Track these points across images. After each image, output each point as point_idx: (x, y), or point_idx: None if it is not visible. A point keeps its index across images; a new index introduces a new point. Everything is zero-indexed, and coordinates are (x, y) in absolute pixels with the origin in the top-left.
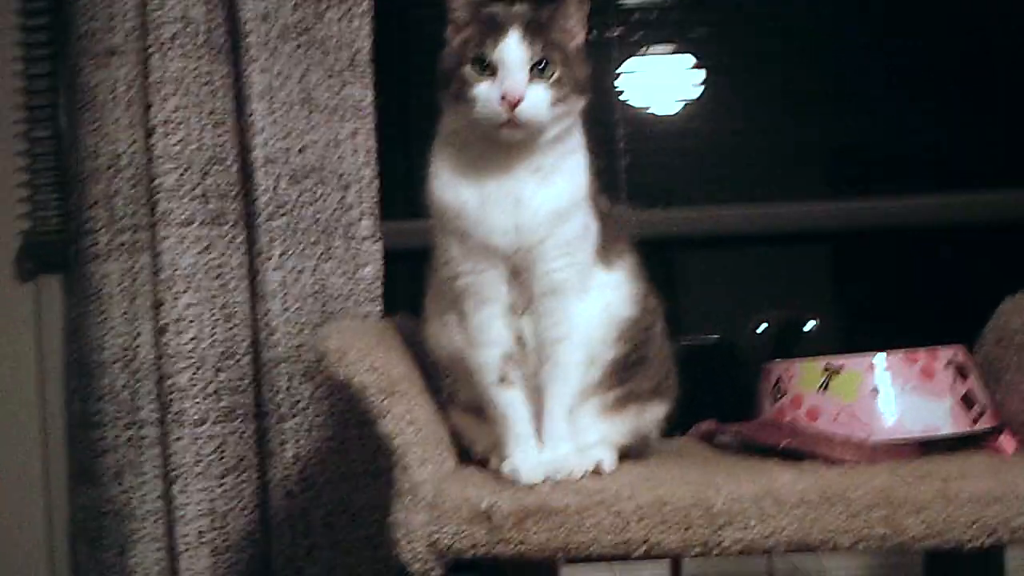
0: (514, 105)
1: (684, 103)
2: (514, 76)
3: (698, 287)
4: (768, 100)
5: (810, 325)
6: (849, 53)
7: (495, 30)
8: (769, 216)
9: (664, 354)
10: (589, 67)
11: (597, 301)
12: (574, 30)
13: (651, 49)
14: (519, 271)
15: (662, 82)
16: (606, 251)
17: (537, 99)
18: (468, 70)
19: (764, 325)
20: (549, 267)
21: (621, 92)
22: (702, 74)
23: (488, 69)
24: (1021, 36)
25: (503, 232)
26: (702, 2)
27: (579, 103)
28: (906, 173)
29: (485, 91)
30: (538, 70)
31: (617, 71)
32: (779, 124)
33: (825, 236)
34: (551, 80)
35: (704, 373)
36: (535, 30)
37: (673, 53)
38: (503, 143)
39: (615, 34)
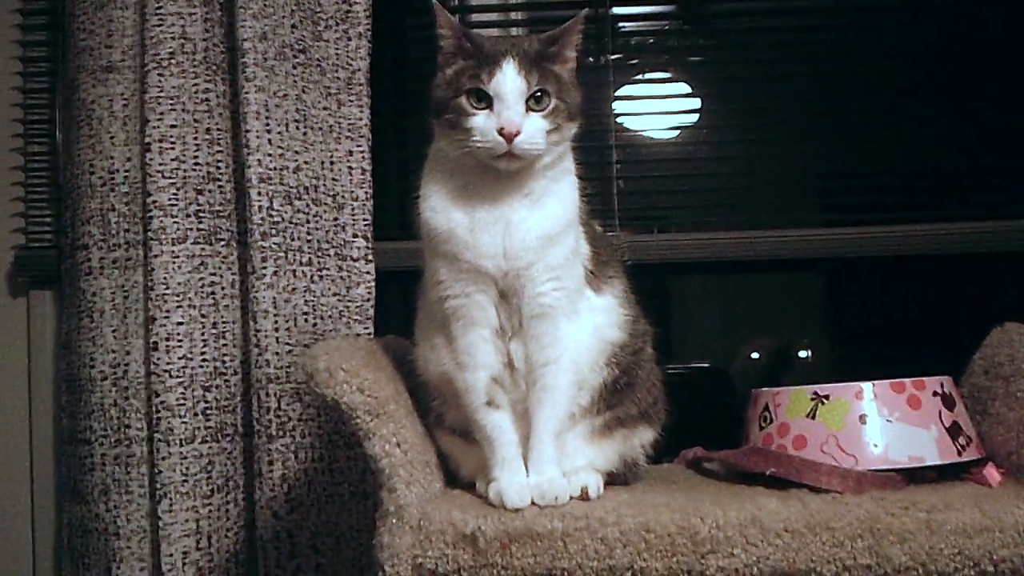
0: (512, 138)
1: (679, 129)
2: (511, 109)
3: (691, 313)
4: (763, 127)
5: (803, 353)
6: (844, 82)
7: (490, 62)
8: (762, 243)
9: (653, 379)
10: (580, 92)
11: (586, 325)
12: (568, 56)
13: (648, 74)
14: (508, 294)
15: (658, 107)
16: (596, 275)
17: (534, 130)
18: (464, 101)
19: (755, 353)
20: (538, 290)
21: (617, 116)
22: (698, 100)
23: (484, 101)
24: (1015, 70)
25: (492, 256)
26: (699, 29)
27: (572, 128)
28: (900, 202)
29: (482, 123)
30: (534, 101)
31: (614, 95)
32: (774, 151)
33: (818, 263)
34: (547, 111)
35: (696, 399)
36: (531, 61)
37: (670, 79)
38: (498, 170)
39: (612, 58)
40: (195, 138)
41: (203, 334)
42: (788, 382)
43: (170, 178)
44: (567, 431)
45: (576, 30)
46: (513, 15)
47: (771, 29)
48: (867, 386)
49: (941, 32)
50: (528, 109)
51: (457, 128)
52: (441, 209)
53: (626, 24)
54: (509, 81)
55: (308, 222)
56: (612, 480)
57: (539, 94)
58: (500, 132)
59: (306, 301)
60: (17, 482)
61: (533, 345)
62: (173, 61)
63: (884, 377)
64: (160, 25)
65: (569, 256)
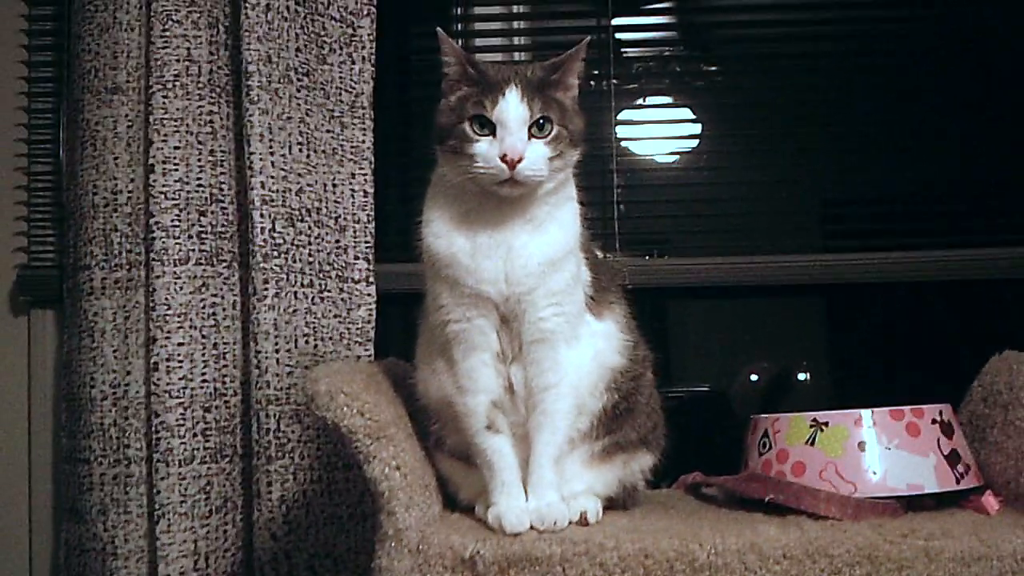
0: (514, 164)
1: (680, 154)
2: (514, 136)
3: (690, 337)
4: (764, 153)
5: (801, 376)
6: (845, 108)
7: (493, 89)
8: (762, 268)
9: (653, 405)
10: (583, 118)
11: (587, 350)
12: (570, 83)
13: (649, 99)
14: (509, 319)
15: (659, 132)
16: (597, 300)
17: (536, 157)
18: (467, 128)
19: (755, 377)
20: (539, 315)
21: (618, 141)
22: (698, 126)
23: (487, 127)
24: (1016, 98)
25: (493, 281)
26: (700, 55)
27: (575, 155)
28: (900, 228)
29: (485, 149)
30: (537, 127)
31: (615, 120)
32: (774, 176)
33: (818, 289)
34: (549, 137)
35: (695, 424)
36: (533, 88)
37: (671, 104)
38: (500, 196)
39: (614, 83)
40: (199, 160)
41: (204, 355)
42: (787, 406)
43: (173, 199)
44: (566, 456)
45: (579, 57)
46: (516, 40)
47: (773, 55)
48: (866, 413)
49: (943, 60)
50: (530, 136)
51: (460, 154)
52: (443, 234)
53: (628, 49)
54: (512, 108)
55: (310, 244)
56: (611, 505)
57: (541, 121)
58: (503, 159)
59: (307, 323)
60: (15, 501)
61: (533, 370)
62: (178, 83)
63: (883, 403)
64: (166, 47)
65: (570, 282)
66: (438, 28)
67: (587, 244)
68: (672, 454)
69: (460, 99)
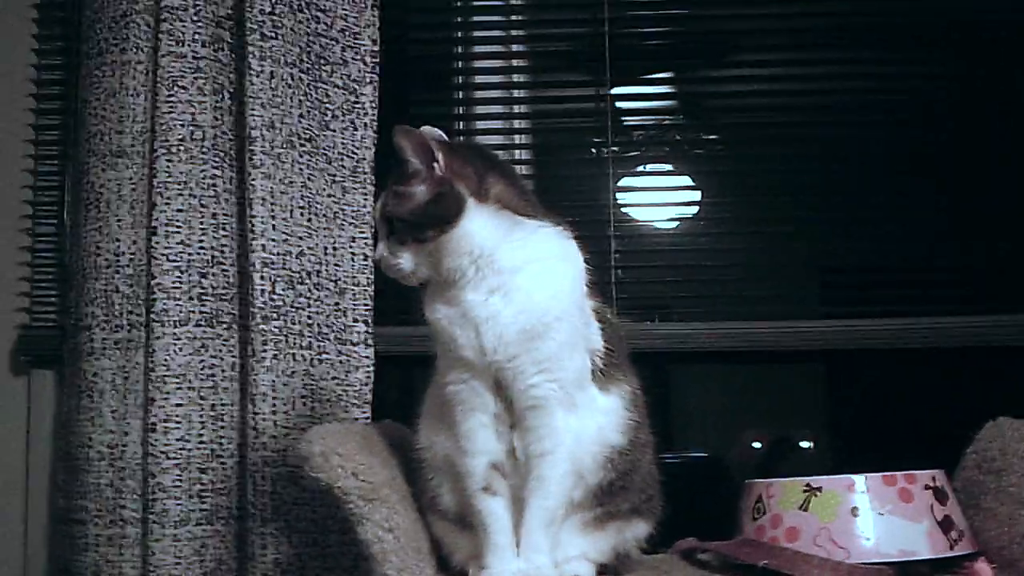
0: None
1: (679, 220)
2: (380, 239)
3: (689, 403)
4: (763, 220)
5: (805, 444)
6: (844, 176)
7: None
8: (762, 334)
9: (648, 480)
10: (449, 188)
11: (587, 421)
12: (409, 173)
13: (648, 166)
14: (501, 385)
15: (658, 199)
16: (606, 373)
17: (386, 258)
18: None
19: (757, 444)
20: (528, 383)
21: (618, 207)
22: (698, 193)
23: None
24: (1012, 167)
25: (472, 349)
26: (699, 123)
27: (443, 234)
28: (898, 295)
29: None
30: (390, 225)
31: (615, 186)
32: (773, 243)
33: (817, 355)
34: (392, 237)
35: (694, 489)
36: (390, 187)
37: (670, 172)
38: None
39: (613, 150)
40: (201, 222)
41: (201, 416)
42: (787, 473)
43: (174, 261)
44: (560, 521)
45: (404, 155)
46: (516, 109)
47: (771, 124)
48: (859, 479)
49: (939, 130)
50: (388, 236)
51: None
52: (430, 302)
53: (628, 118)
54: (376, 212)
55: (309, 306)
56: (604, 570)
57: (390, 218)
58: None
59: (305, 385)
60: (10, 561)
61: (529, 436)
62: (182, 147)
63: (884, 468)
64: (170, 112)
65: (559, 350)
66: (397, 126)
67: (601, 311)
68: (670, 520)
69: None
